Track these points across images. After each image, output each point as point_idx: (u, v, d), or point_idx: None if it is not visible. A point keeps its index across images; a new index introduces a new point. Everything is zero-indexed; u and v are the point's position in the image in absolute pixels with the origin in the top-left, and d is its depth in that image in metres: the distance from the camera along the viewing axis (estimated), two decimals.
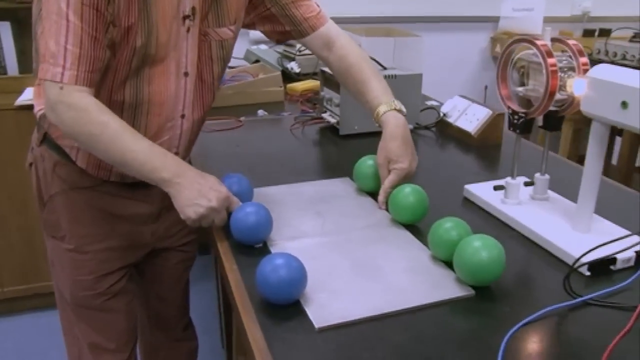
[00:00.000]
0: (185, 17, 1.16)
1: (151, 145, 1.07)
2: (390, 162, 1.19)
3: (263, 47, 2.66)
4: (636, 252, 1.00)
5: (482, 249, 0.90)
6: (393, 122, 1.22)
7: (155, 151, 1.07)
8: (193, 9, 1.16)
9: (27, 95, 2.23)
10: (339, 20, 3.05)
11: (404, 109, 1.26)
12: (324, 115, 1.77)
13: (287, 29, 1.34)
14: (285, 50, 2.62)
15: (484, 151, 1.61)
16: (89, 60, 1.04)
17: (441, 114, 1.76)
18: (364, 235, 1.08)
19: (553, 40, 1.11)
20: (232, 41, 1.29)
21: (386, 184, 1.18)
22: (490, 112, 1.63)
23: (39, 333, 2.40)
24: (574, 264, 0.93)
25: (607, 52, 3.12)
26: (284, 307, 0.86)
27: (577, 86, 1.04)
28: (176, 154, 1.29)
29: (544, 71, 1.06)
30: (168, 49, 1.16)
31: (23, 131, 2.22)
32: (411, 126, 1.63)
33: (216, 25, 1.23)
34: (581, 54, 1.09)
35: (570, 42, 1.11)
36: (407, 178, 1.20)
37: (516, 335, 0.82)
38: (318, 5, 1.36)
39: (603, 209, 1.12)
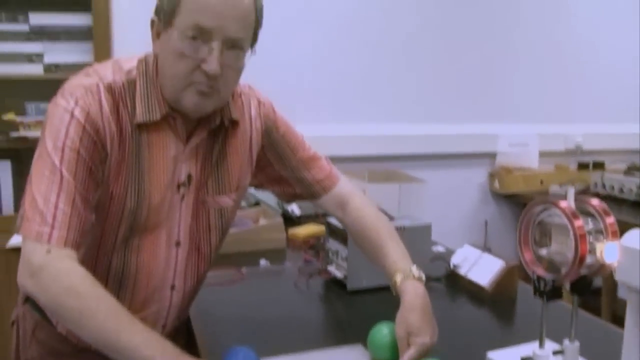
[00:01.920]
0: (180, 185, 1.12)
1: (149, 330, 0.97)
2: (410, 335, 1.10)
3: None
4: None
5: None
6: (412, 292, 1.15)
7: (153, 337, 0.96)
8: (189, 176, 1.13)
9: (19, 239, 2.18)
10: (338, 160, 3.05)
11: (423, 277, 1.20)
12: (329, 268, 1.69)
13: (297, 192, 1.30)
14: None
15: (499, 306, 1.53)
16: (80, 221, 0.98)
17: (451, 266, 1.69)
18: None
19: (576, 201, 1.07)
20: (232, 209, 1.24)
21: (405, 358, 1.09)
22: (504, 264, 1.57)
23: None
24: None
25: (604, 185, 3.14)
26: None
27: (608, 252, 0.98)
28: (163, 327, 1.21)
29: (571, 235, 1.00)
30: (160, 217, 1.11)
31: (13, 275, 2.12)
32: None
33: (216, 193, 1.18)
34: (607, 214, 1.04)
35: (593, 202, 1.06)
36: (428, 352, 1.10)
37: None
38: (329, 163, 1.33)
39: None
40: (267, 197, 2.54)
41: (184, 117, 1.11)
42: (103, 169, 1.03)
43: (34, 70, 2.40)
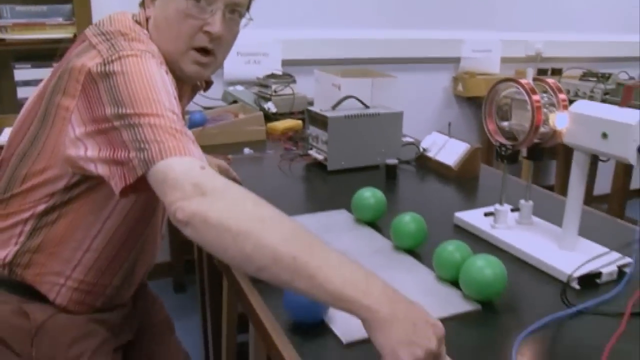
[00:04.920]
0: None
1: (340, 255, 0.80)
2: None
3: (239, 87, 2.75)
4: (618, 266, 1.11)
5: (486, 267, 0.99)
6: None
7: (346, 263, 0.80)
8: None
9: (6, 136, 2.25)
10: (317, 62, 3.17)
11: None
12: (310, 152, 1.85)
13: None
14: (260, 91, 2.72)
15: (464, 182, 1.72)
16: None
17: (421, 149, 1.87)
18: (372, 260, 1.16)
19: (534, 79, 1.23)
20: None
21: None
22: (469, 146, 1.75)
23: None
24: (568, 278, 1.03)
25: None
26: (312, 327, 0.93)
27: (559, 120, 1.16)
28: None
29: (529, 107, 1.17)
30: None
31: None
32: (395, 160, 1.73)
33: None
34: (560, 91, 1.21)
35: (550, 80, 1.23)
36: None
37: (524, 342, 0.90)
38: None
39: (582, 231, 1.23)
40: (245, 95, 2.66)
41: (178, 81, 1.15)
42: None
43: None
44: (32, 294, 1.11)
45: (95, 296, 1.16)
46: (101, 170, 0.96)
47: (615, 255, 1.14)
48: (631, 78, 3.45)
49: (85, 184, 1.03)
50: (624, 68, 3.60)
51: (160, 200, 0.87)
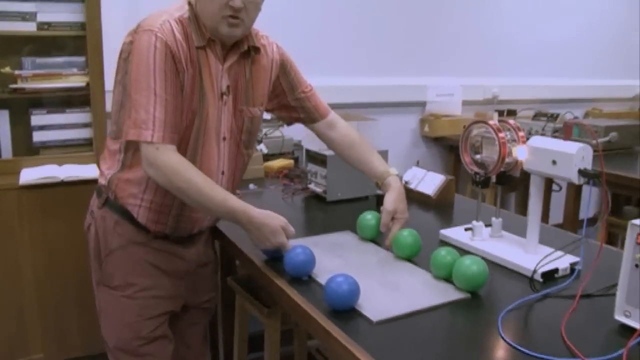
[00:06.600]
0: (222, 94, 1.53)
1: (224, 200, 1.43)
2: (397, 213, 1.58)
3: None
4: (570, 264, 1.43)
5: (472, 264, 1.30)
6: (398, 184, 1.64)
7: (226, 206, 1.43)
8: (228, 87, 1.54)
9: (27, 176, 2.46)
10: None
11: (398, 173, 1.68)
12: (309, 185, 2.16)
13: (301, 116, 1.74)
14: None
15: (441, 209, 2.04)
16: (172, 124, 1.40)
17: (403, 182, 2.19)
18: (379, 267, 1.46)
19: (498, 121, 1.57)
20: (259, 118, 1.66)
21: (394, 229, 1.56)
22: (445, 177, 2.08)
23: None
24: (534, 271, 1.35)
25: None
26: (347, 313, 1.22)
27: (520, 152, 1.49)
28: None
29: (497, 143, 1.50)
30: (212, 118, 1.51)
31: (23, 209, 2.43)
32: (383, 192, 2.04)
33: (249, 105, 1.60)
34: (519, 129, 1.55)
35: (511, 122, 1.57)
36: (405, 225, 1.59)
37: (505, 316, 1.21)
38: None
39: (541, 240, 1.55)
40: None
41: (222, 43, 1.51)
42: (183, 79, 1.42)
43: (28, 27, 2.62)
44: (123, 213, 1.55)
45: (165, 216, 1.55)
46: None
47: (567, 256, 1.46)
48: (575, 117, 3.89)
49: None
50: (569, 109, 4.04)
51: (194, 139, 1.50)
